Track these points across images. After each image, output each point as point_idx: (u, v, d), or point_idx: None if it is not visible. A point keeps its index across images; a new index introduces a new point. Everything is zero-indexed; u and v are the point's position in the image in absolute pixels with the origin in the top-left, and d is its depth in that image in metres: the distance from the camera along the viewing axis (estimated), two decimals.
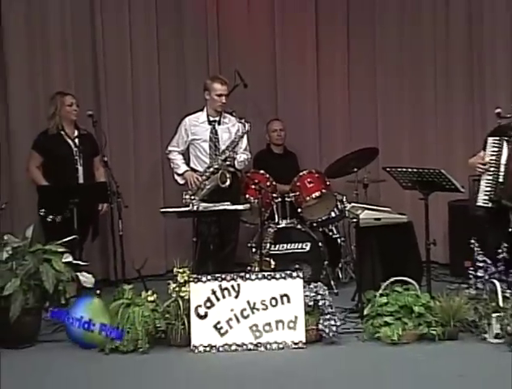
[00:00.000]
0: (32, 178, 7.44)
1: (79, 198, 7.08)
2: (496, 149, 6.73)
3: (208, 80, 7.63)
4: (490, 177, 6.74)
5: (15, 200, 7.82)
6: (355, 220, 7.20)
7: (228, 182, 7.40)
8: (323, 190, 7.95)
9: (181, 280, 6.23)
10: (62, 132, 7.42)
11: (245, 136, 7.56)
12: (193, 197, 7.32)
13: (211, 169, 7.44)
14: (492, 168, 6.72)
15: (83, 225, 7.17)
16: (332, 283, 7.66)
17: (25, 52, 8.00)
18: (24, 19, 7.97)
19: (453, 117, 8.69)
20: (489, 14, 8.46)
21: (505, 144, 6.70)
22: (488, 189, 6.73)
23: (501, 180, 6.67)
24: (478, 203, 6.79)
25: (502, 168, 6.67)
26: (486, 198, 6.73)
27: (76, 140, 7.44)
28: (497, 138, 6.77)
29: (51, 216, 7.09)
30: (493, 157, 6.73)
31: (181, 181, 7.57)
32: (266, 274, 6.34)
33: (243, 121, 7.48)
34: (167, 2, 8.66)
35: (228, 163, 7.45)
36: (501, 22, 8.38)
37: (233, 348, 6.06)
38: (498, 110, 6.89)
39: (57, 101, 7.46)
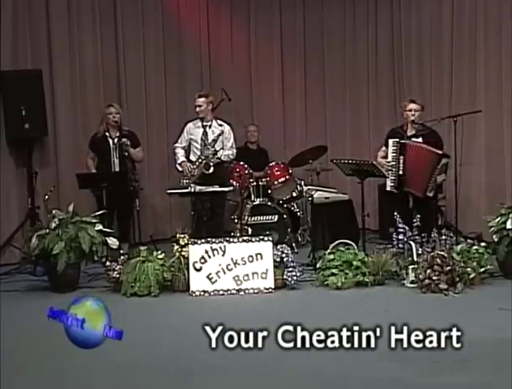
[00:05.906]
0: (87, 167, 7.42)
1: (107, 182, 7.06)
2: (394, 149, 6.82)
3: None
4: (394, 172, 6.84)
5: (61, 184, 7.73)
6: (310, 198, 7.30)
7: (211, 170, 7.23)
8: (287, 177, 7.96)
9: (183, 243, 6.23)
10: (107, 134, 7.34)
11: (232, 137, 7.43)
12: (187, 181, 7.23)
13: (200, 160, 7.32)
14: (394, 164, 6.82)
15: (112, 202, 7.14)
16: (293, 244, 7.63)
17: (68, 83, 7.91)
18: (70, 65, 7.92)
19: (381, 123, 8.65)
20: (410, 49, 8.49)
21: (401, 146, 6.78)
22: (393, 179, 6.84)
23: (400, 173, 6.78)
24: (387, 189, 6.94)
25: (401, 165, 6.77)
26: (392, 185, 6.86)
27: (115, 140, 7.31)
28: (395, 141, 6.86)
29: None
30: (394, 156, 6.83)
31: (180, 169, 7.46)
32: (245, 238, 6.37)
33: (224, 124, 7.36)
34: (172, 42, 8.58)
35: (211, 155, 7.28)
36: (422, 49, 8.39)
37: (221, 292, 6.08)
38: (412, 118, 6.95)
39: (104, 111, 7.42)
